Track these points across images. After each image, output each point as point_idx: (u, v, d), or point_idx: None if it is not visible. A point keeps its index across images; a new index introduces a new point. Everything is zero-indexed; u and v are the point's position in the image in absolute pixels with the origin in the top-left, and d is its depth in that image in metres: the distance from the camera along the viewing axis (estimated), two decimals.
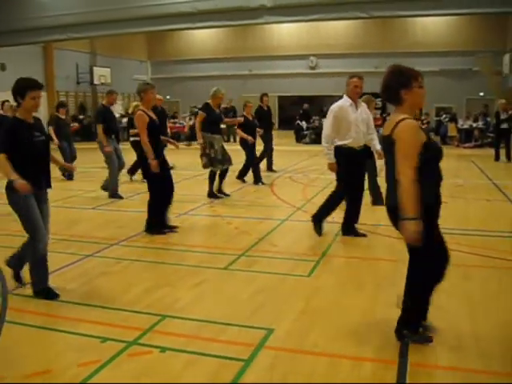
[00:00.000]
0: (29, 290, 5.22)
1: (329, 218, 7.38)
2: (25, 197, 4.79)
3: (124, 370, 3.66)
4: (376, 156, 7.57)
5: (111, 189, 10.34)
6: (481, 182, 12.34)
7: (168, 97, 30.32)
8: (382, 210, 8.40)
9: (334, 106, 6.89)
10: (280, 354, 3.87)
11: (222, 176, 10.09)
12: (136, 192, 10.58)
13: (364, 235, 7.12)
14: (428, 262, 3.85)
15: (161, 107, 13.12)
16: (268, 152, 13.49)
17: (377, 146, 7.27)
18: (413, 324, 3.99)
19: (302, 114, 25.93)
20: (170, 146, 8.86)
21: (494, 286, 5.30)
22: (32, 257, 5.08)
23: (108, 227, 7.88)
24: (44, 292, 5.07)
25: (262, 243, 6.88)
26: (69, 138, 12.89)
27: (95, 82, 28.84)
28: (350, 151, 6.85)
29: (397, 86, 3.75)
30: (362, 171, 7.25)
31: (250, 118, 12.04)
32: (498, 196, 10.24)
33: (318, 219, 7.16)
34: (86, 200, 10.07)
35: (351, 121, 6.79)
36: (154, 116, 7.32)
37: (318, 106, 28.37)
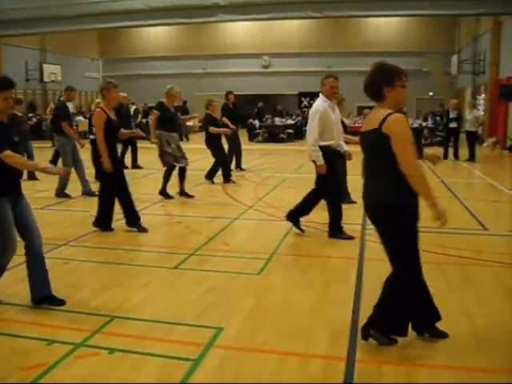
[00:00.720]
0: None
1: (277, 216, 7.41)
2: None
3: (71, 373, 3.60)
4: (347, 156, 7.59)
5: (59, 188, 10.13)
6: (429, 180, 12.56)
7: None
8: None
9: (318, 107, 6.70)
10: (230, 353, 3.88)
11: (182, 176, 9.88)
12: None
13: (351, 238, 6.97)
14: (409, 265, 3.86)
15: (126, 105, 13.03)
16: (236, 150, 13.52)
17: (344, 146, 7.34)
18: (382, 327, 3.92)
19: (256, 113, 26.03)
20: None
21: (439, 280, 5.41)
22: None
23: (56, 227, 7.71)
24: None
25: (213, 242, 6.86)
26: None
27: (45, 79, 28.29)
28: (332, 151, 6.87)
29: (380, 82, 3.79)
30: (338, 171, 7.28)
31: (216, 117, 11.90)
32: (445, 193, 10.46)
33: (295, 217, 7.16)
34: (35, 200, 9.84)
35: (333, 121, 6.77)
36: (112, 116, 7.29)
37: (271, 104, 28.54)
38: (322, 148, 6.70)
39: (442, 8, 16.95)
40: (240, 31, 30.88)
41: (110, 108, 7.32)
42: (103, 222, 7.45)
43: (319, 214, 7.91)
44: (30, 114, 22.12)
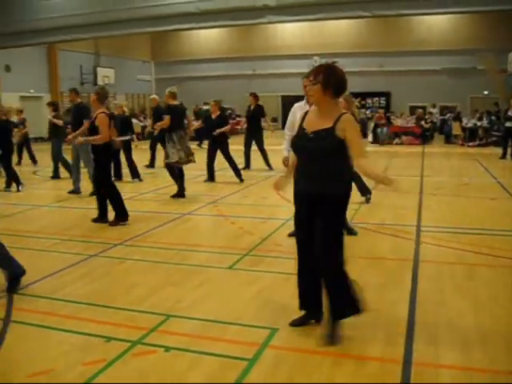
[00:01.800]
0: (33, 290, 5.25)
1: None
2: None
3: (129, 370, 3.66)
4: None
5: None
6: (485, 180, 12.32)
7: None
8: (386, 209, 8.45)
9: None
10: (284, 354, 3.86)
11: (182, 176, 10.21)
12: (139, 192, 10.57)
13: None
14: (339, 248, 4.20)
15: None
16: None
17: None
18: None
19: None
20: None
21: (498, 285, 5.28)
22: None
23: (112, 227, 7.88)
24: None
25: (266, 243, 6.87)
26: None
27: (99, 82, 28.92)
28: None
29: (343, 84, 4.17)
30: None
31: (213, 117, 12.24)
32: (502, 194, 10.21)
33: None
34: (91, 200, 10.09)
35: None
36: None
37: None
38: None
39: (498, 3, 16.51)
40: (289, 32, 30.84)
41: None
42: (122, 212, 8.00)
43: (373, 214, 7.85)
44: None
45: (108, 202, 8.10)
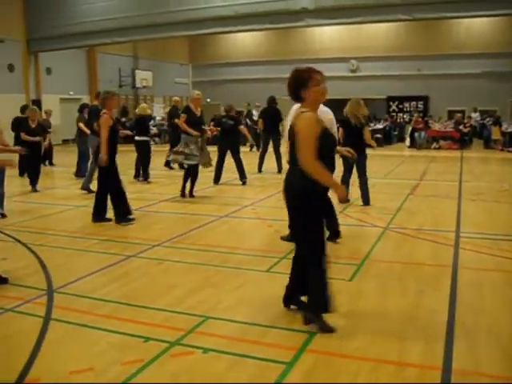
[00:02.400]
0: (73, 289, 5.33)
1: (368, 222, 7.29)
2: None
3: (167, 370, 3.68)
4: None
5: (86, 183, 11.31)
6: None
7: (208, 100, 30.51)
8: (424, 214, 8.35)
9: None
10: (322, 358, 3.84)
11: (194, 177, 10.48)
12: (177, 194, 10.64)
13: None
14: (316, 250, 4.30)
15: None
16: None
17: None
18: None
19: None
20: None
21: None
22: None
23: (150, 229, 7.95)
24: None
25: None
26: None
27: (137, 85, 29.27)
28: None
29: (295, 86, 4.27)
30: None
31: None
32: None
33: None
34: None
35: None
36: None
37: None
38: None
39: None
40: (327, 35, 30.70)
41: (111, 111, 8.45)
42: (121, 213, 8.32)
43: (411, 219, 7.76)
44: (123, 119, 22.87)
45: (111, 200, 8.45)
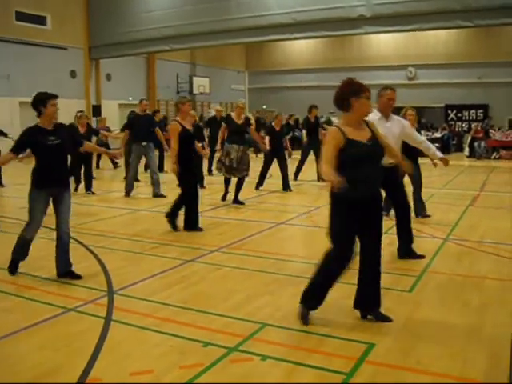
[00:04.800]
0: (132, 291, 5.43)
1: (427, 233, 7.15)
2: (35, 190, 5.74)
3: (226, 376, 3.70)
4: (440, 163, 7.23)
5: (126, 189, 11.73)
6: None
7: (264, 106, 30.67)
8: (485, 227, 8.15)
9: None
10: (381, 370, 3.79)
11: (239, 185, 10.50)
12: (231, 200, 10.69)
13: (422, 257, 6.64)
14: (336, 250, 4.58)
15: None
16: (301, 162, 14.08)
17: (437, 153, 7.10)
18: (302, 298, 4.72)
19: None
20: None
21: None
22: (19, 236, 5.99)
23: (208, 234, 8.03)
24: (11, 266, 6.04)
25: None
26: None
27: (194, 91, 29.65)
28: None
29: (348, 93, 4.37)
30: (399, 189, 6.70)
31: (277, 129, 12.65)
32: None
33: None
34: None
35: None
36: (188, 126, 8.17)
37: (417, 117, 27.66)
38: None
39: None
40: (384, 43, 30.41)
41: (184, 120, 8.15)
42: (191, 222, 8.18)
43: (472, 232, 7.59)
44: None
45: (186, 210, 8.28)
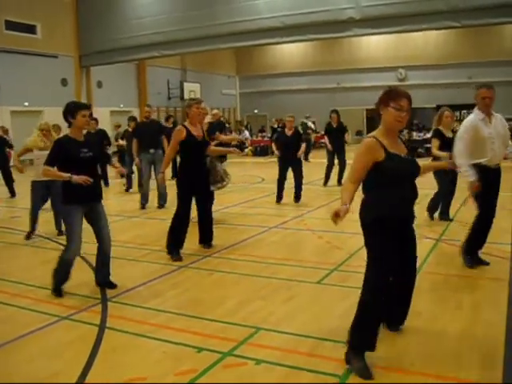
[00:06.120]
0: (126, 299, 5.43)
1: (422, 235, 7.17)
2: (70, 207, 5.41)
3: (220, 381, 3.70)
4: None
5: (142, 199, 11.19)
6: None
7: (256, 111, 30.71)
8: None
9: (465, 122, 6.19)
10: (376, 372, 3.77)
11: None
12: (225, 205, 10.68)
13: (487, 263, 6.41)
14: (377, 269, 3.97)
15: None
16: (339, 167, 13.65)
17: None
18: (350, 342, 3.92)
19: None
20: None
21: None
22: (60, 257, 5.60)
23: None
24: (58, 291, 5.59)
25: (355, 258, 6.72)
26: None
27: (185, 97, 29.67)
28: (485, 170, 6.03)
29: (378, 103, 3.97)
30: (496, 193, 6.35)
31: (288, 135, 11.33)
32: None
33: (470, 252, 6.41)
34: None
35: (484, 137, 6.01)
36: (194, 131, 7.15)
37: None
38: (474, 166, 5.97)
39: None
40: (374, 44, 30.55)
41: (193, 125, 7.20)
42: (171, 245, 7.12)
43: (463, 232, 7.57)
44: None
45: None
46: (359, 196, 4.00)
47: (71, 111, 5.44)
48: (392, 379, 3.70)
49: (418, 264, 6.25)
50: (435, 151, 8.24)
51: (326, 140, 14.09)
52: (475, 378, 3.67)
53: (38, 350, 4.34)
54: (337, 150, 13.67)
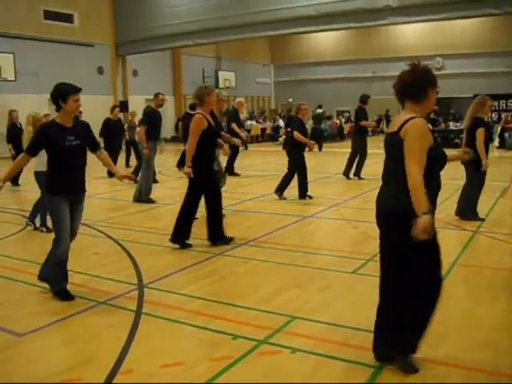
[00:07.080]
0: (162, 285, 5.49)
1: (456, 226, 7.08)
2: (55, 199, 5.01)
3: (255, 368, 3.73)
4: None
5: (144, 193, 10.43)
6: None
7: (290, 99, 30.58)
8: None
9: None
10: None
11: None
12: (261, 194, 10.70)
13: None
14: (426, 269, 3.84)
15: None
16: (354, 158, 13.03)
17: None
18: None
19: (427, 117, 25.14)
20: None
21: None
22: (52, 259, 5.24)
23: (237, 227, 8.03)
24: (61, 294, 5.15)
25: None
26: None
27: (220, 85, 29.70)
28: None
29: (426, 82, 3.54)
30: None
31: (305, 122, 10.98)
32: None
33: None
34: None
35: None
36: (211, 121, 6.93)
37: (445, 108, 27.28)
38: None
39: None
40: (410, 33, 30.11)
41: (208, 114, 6.91)
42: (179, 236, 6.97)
43: (501, 224, 7.49)
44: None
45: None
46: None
47: (62, 95, 4.96)
48: (425, 369, 3.67)
49: (455, 254, 6.31)
50: (482, 145, 7.73)
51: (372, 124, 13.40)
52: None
53: (75, 333, 4.44)
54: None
